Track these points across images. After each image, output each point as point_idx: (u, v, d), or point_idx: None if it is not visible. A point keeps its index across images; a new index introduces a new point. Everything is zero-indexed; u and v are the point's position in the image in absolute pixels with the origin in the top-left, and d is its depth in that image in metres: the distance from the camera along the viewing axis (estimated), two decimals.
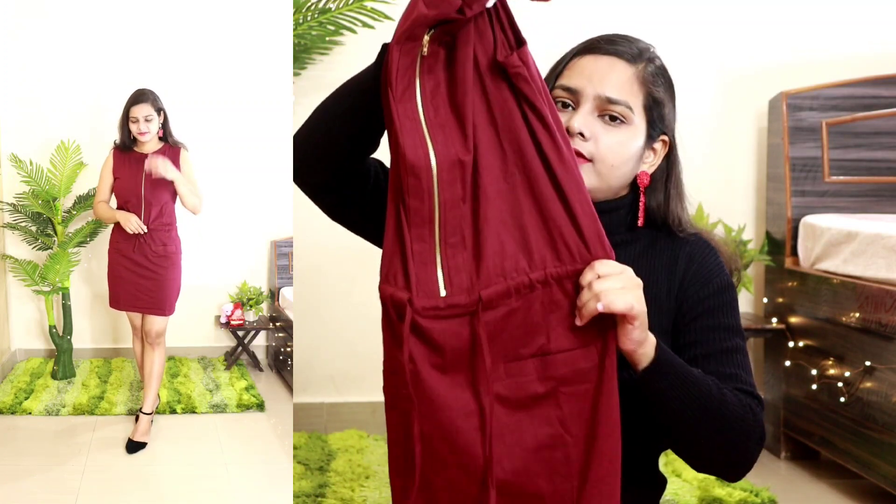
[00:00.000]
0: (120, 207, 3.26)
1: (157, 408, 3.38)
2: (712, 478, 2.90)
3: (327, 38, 3.46)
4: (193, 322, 3.95)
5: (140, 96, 3.19)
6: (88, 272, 3.87)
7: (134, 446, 3.15)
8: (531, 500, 1.14)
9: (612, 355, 1.15)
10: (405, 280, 1.11)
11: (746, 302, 3.71)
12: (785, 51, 3.72)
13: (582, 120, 1.32)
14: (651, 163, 1.40)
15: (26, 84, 3.79)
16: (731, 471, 1.31)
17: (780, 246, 3.48)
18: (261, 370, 4.03)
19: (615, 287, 1.11)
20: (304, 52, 3.44)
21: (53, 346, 3.76)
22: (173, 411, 3.49)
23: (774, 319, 3.42)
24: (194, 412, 3.52)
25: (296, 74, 3.48)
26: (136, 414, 3.32)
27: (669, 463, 3.08)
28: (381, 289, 1.13)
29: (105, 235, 3.50)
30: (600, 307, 1.10)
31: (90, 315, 3.93)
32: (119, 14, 3.78)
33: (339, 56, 3.55)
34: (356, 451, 3.26)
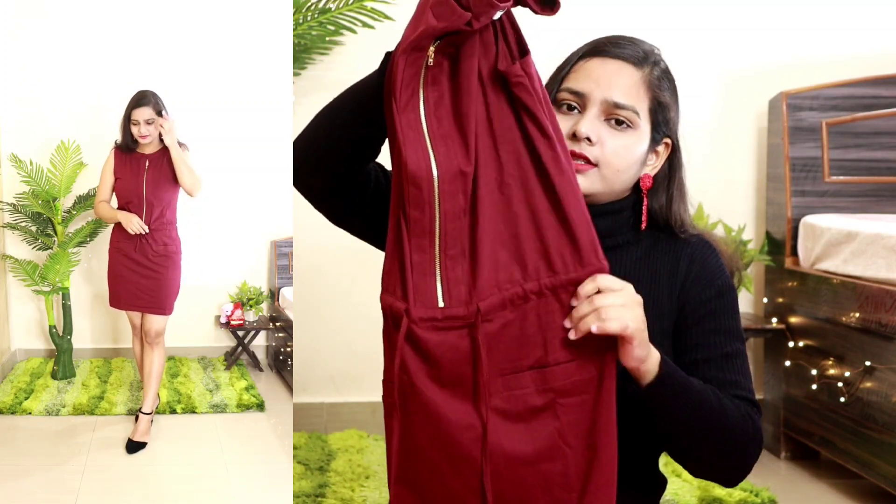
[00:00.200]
0: (121, 208, 3.26)
1: (156, 408, 3.38)
2: None
3: (327, 38, 3.46)
4: (193, 322, 3.95)
5: (142, 99, 3.19)
6: (88, 272, 3.87)
7: (134, 446, 3.15)
8: None
9: (611, 365, 1.14)
10: (402, 290, 1.11)
11: (746, 302, 3.71)
12: (785, 51, 3.72)
13: (588, 124, 1.31)
14: (654, 165, 1.40)
15: (26, 84, 3.79)
16: (730, 476, 1.32)
17: (780, 246, 3.47)
18: (261, 370, 4.03)
19: (615, 303, 1.10)
20: (304, 52, 3.44)
21: (53, 346, 3.76)
22: (173, 411, 3.49)
23: (774, 319, 3.42)
24: (194, 412, 3.52)
25: (296, 74, 3.48)
26: (135, 414, 3.32)
27: (669, 463, 3.08)
28: (381, 298, 1.13)
29: (105, 235, 3.50)
30: (594, 329, 1.10)
31: (90, 315, 3.93)
32: (119, 14, 3.78)
33: (339, 56, 3.54)
34: (356, 451, 3.26)
